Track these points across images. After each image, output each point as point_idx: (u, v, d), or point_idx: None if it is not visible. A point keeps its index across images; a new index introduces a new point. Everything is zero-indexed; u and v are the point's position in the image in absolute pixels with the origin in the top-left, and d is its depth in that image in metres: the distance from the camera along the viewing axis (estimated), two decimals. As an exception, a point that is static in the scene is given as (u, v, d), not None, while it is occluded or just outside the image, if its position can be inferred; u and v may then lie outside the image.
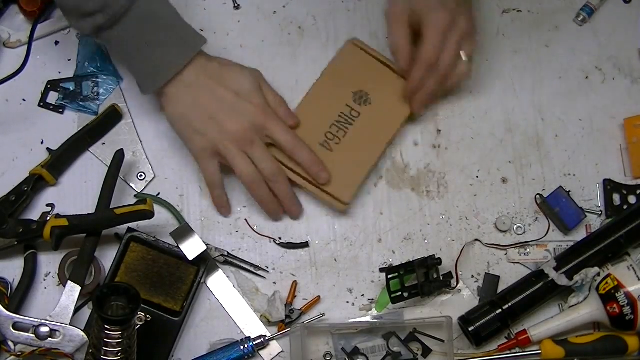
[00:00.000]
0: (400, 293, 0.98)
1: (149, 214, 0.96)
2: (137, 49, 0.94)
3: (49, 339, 0.90)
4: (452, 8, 0.97)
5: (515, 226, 1.03)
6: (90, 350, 0.86)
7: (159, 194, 1.03)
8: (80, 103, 1.05)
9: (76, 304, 0.92)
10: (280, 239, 1.02)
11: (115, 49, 1.00)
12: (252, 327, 0.99)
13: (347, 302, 1.01)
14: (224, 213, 1.02)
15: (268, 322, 0.99)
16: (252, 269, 1.01)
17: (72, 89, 1.05)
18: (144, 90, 0.97)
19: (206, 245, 0.97)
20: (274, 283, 1.01)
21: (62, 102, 1.05)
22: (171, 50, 0.94)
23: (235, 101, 0.96)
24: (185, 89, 0.96)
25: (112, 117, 1.04)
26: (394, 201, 1.04)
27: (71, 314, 0.92)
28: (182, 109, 0.96)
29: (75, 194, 1.02)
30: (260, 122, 0.97)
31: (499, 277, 1.02)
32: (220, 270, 1.01)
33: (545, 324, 0.99)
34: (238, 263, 1.01)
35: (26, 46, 1.02)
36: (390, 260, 1.02)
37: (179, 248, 0.96)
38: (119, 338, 0.83)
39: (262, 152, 0.97)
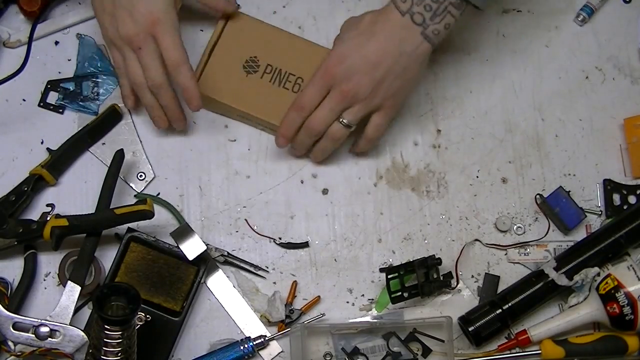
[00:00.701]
0: (400, 293, 0.98)
1: (149, 214, 0.96)
2: None
3: (49, 339, 0.90)
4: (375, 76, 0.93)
5: (515, 226, 1.03)
6: (90, 350, 0.86)
7: (159, 194, 1.03)
8: (80, 103, 1.05)
9: (76, 304, 0.92)
10: (280, 239, 1.02)
11: None
12: (252, 327, 0.99)
13: (347, 302, 1.01)
14: (129, 105, 1.02)
15: (268, 322, 0.99)
16: (252, 269, 1.01)
17: (72, 89, 1.05)
18: None
19: (206, 245, 0.97)
20: (274, 283, 1.01)
21: (62, 102, 1.05)
22: None
23: (132, 6, 0.93)
24: None
25: (112, 117, 1.04)
26: (394, 201, 1.04)
27: (71, 314, 0.92)
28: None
29: (75, 194, 1.02)
30: (152, 33, 0.93)
31: (499, 277, 1.02)
32: (220, 270, 1.01)
33: (545, 324, 0.99)
34: (238, 263, 1.01)
35: (26, 46, 1.02)
36: (390, 260, 1.02)
37: (179, 248, 0.96)
38: (119, 338, 0.83)
39: (150, 61, 0.95)
